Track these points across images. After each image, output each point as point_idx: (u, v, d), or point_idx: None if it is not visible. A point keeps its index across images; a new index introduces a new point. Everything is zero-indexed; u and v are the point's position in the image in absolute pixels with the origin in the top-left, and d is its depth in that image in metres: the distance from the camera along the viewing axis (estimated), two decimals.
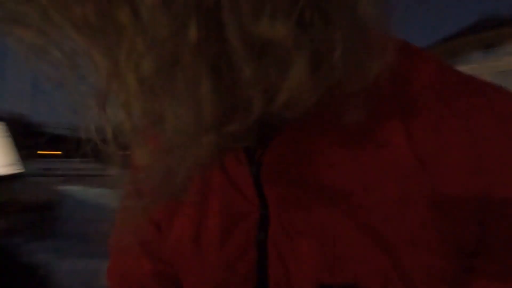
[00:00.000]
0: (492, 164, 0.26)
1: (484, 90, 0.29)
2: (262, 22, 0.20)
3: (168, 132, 0.23)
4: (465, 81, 0.30)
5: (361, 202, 0.28)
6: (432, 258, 0.26)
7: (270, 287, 0.32)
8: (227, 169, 0.36)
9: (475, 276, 0.27)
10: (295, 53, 0.21)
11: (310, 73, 0.22)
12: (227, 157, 0.35)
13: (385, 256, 0.27)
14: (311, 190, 0.30)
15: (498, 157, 0.26)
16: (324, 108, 0.27)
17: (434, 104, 0.28)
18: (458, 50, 11.80)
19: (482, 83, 0.30)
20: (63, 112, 0.24)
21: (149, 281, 0.41)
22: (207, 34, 0.20)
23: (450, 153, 0.26)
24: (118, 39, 0.20)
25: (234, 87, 0.22)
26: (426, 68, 0.30)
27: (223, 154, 0.33)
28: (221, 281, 0.35)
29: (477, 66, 9.83)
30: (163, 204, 0.34)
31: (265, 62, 0.22)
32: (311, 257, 0.30)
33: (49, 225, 3.39)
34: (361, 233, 0.28)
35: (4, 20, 0.21)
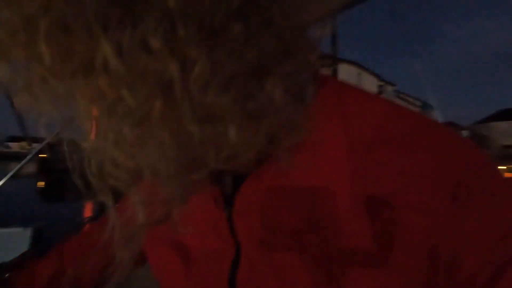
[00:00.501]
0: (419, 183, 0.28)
1: (436, 135, 0.30)
2: (209, 94, 0.25)
3: (146, 174, 0.28)
4: (419, 123, 0.32)
5: (313, 241, 0.31)
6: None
7: None
8: (205, 209, 0.40)
9: None
10: (233, 117, 0.27)
11: (248, 132, 0.28)
12: (206, 197, 0.40)
13: None
14: (274, 232, 0.34)
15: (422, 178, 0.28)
16: (272, 157, 0.33)
17: (380, 142, 0.30)
18: None
19: (437, 127, 0.31)
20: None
21: None
22: (168, 104, 0.25)
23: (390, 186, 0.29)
24: (104, 104, 0.26)
25: (190, 145, 0.27)
26: (374, 108, 0.33)
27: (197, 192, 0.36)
28: None
29: None
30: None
31: (211, 125, 0.27)
32: None
33: None
34: (316, 275, 0.30)
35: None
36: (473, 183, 0.28)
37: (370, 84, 31.43)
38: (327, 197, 0.31)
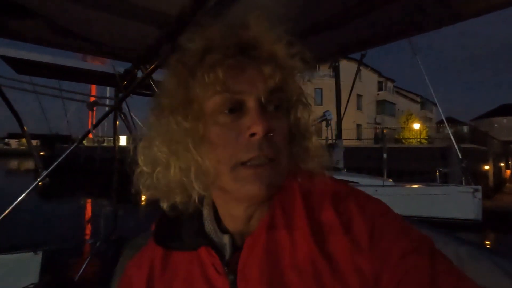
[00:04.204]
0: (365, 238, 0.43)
1: (358, 196, 0.47)
2: None
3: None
4: (347, 190, 0.48)
5: None
6: None
7: None
8: (210, 279, 0.46)
9: None
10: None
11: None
12: (209, 268, 0.47)
13: None
14: None
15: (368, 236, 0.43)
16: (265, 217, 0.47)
17: (326, 208, 0.46)
18: None
19: (358, 191, 0.48)
20: None
21: None
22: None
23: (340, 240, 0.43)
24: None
25: None
26: (323, 183, 0.49)
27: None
28: None
29: None
30: None
31: None
32: None
33: None
34: None
35: None
36: (382, 221, 0.44)
37: (370, 80, 31.42)
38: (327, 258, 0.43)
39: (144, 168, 0.47)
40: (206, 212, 0.52)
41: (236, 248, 0.48)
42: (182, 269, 0.49)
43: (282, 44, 0.46)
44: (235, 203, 0.47)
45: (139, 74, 1.73)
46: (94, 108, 1.69)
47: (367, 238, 0.42)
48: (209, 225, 0.51)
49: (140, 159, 0.48)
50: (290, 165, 0.47)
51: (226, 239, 0.48)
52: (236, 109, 0.44)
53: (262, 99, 0.44)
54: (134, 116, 2.17)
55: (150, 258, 0.53)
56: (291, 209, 0.47)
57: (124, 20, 1.14)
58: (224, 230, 0.50)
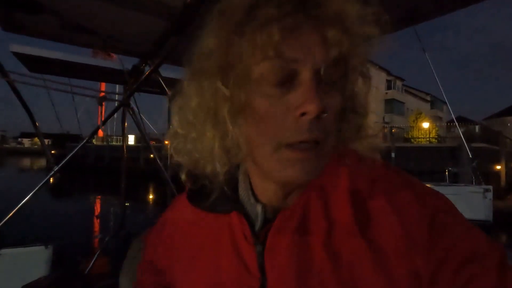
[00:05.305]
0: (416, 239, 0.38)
1: (416, 187, 0.42)
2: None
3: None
4: (403, 179, 0.43)
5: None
6: None
7: None
8: (237, 245, 0.45)
9: None
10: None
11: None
12: (238, 234, 0.45)
13: None
14: (307, 273, 0.39)
15: (420, 233, 0.38)
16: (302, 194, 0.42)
17: (376, 195, 0.41)
18: None
19: (416, 182, 0.43)
20: None
21: None
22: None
23: (386, 233, 0.38)
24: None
25: None
26: (374, 168, 0.43)
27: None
28: None
29: None
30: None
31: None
32: None
33: None
34: None
35: None
36: (445, 217, 0.38)
37: (378, 79, 31.00)
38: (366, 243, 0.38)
39: (179, 130, 0.45)
40: (241, 179, 0.48)
41: (268, 220, 0.44)
42: (213, 229, 0.48)
43: (354, 2, 0.37)
44: (271, 181, 0.43)
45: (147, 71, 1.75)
46: (104, 104, 1.72)
47: (424, 234, 0.37)
48: (243, 192, 0.48)
49: (175, 120, 0.45)
50: (337, 144, 0.42)
51: (259, 208, 0.45)
52: (287, 80, 0.36)
53: (321, 71, 0.36)
54: (142, 116, 2.20)
55: (176, 216, 0.56)
56: (333, 191, 0.42)
57: (130, 14, 1.17)
58: (257, 200, 0.47)
